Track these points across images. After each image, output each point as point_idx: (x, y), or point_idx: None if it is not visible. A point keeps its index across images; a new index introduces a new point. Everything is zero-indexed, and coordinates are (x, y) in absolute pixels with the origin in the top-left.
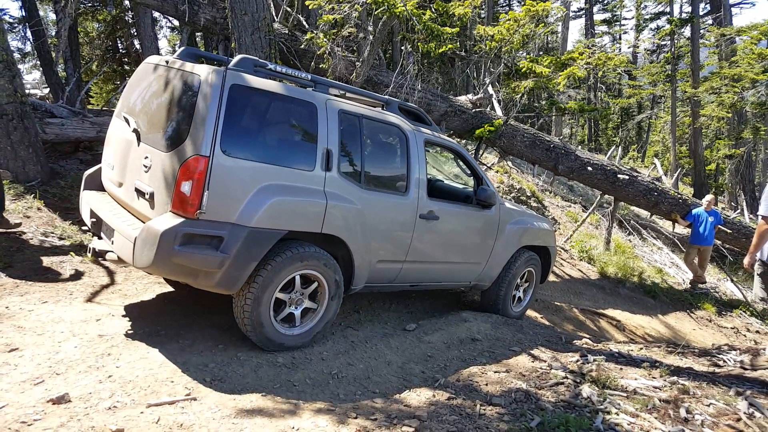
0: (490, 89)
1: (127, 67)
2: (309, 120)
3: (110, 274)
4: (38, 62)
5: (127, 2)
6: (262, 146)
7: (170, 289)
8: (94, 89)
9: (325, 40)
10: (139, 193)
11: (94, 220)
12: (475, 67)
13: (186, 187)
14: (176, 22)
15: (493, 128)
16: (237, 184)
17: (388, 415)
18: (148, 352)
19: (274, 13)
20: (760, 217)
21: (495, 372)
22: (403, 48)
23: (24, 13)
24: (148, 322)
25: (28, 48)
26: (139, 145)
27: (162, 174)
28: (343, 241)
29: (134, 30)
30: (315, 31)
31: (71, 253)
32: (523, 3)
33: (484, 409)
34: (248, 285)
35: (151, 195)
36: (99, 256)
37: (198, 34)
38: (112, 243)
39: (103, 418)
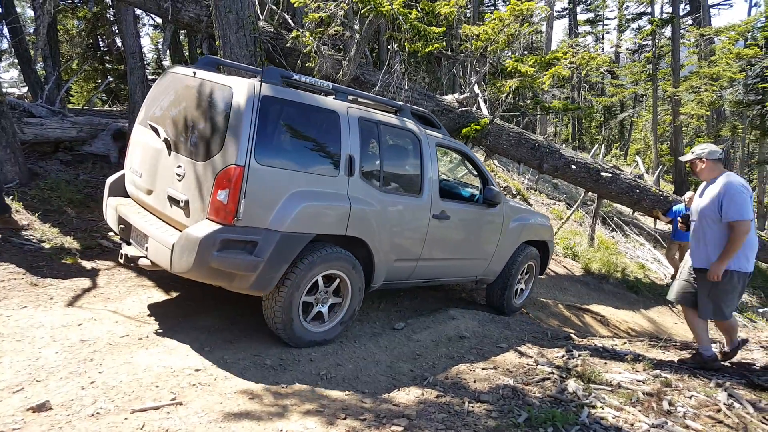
0: (476, 88)
1: (108, 65)
2: (333, 127)
3: (92, 277)
4: (16, 60)
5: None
6: (291, 154)
7: (154, 291)
8: (75, 88)
9: (311, 38)
10: (173, 200)
11: (122, 226)
12: (461, 66)
13: (222, 195)
14: (159, 20)
15: (479, 127)
16: (270, 191)
17: (377, 415)
18: (132, 357)
19: (259, 11)
20: (739, 225)
21: (483, 369)
22: (389, 47)
23: (0, 10)
24: (131, 326)
25: (5, 45)
26: (170, 154)
27: (197, 183)
28: (365, 241)
29: (116, 27)
30: (301, 30)
31: (69, 258)
32: (507, 2)
33: (473, 407)
34: (278, 286)
35: (186, 203)
36: (131, 262)
37: (182, 31)
38: (146, 249)
39: (86, 426)
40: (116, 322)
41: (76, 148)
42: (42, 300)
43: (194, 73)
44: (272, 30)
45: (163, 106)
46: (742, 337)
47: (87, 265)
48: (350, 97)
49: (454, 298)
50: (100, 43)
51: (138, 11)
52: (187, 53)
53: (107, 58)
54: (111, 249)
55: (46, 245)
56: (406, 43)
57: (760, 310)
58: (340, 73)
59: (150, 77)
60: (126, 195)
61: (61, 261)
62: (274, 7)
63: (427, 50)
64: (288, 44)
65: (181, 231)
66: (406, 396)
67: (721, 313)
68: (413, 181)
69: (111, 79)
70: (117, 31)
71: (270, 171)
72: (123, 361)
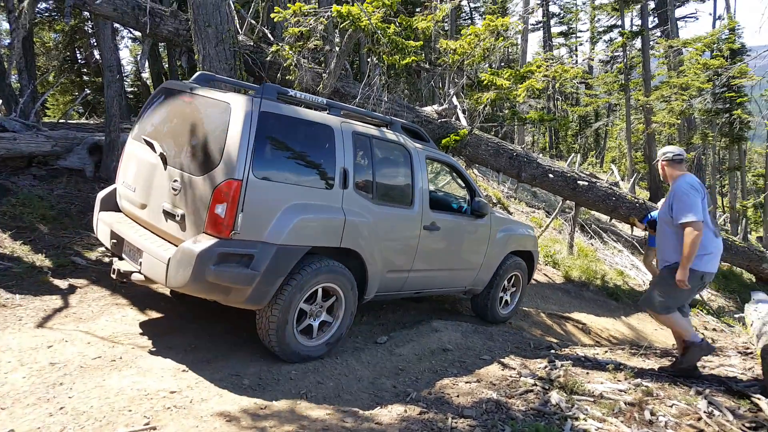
0: (454, 100)
1: (86, 78)
2: (328, 142)
3: (64, 296)
4: None
5: (86, 13)
6: (288, 168)
7: (129, 310)
8: (51, 101)
9: (291, 52)
10: (168, 215)
11: (115, 241)
12: (440, 78)
13: (220, 209)
14: (138, 33)
15: (458, 138)
16: (267, 205)
17: None
18: (104, 380)
19: (238, 26)
20: (686, 225)
21: (466, 383)
22: (369, 60)
23: None
24: (104, 347)
25: None
26: (165, 168)
27: (194, 197)
28: (359, 253)
29: (94, 40)
30: (281, 44)
31: (41, 276)
32: (484, 17)
33: (456, 422)
34: (273, 300)
35: (182, 217)
36: (124, 277)
37: (161, 44)
38: (140, 264)
39: None
40: (88, 343)
41: (50, 162)
42: (10, 321)
43: (191, 89)
44: (252, 44)
45: (158, 122)
46: (697, 341)
47: (59, 283)
48: (343, 112)
49: (437, 309)
50: (78, 55)
51: (117, 24)
52: (166, 66)
53: (85, 70)
54: (84, 267)
55: (16, 264)
56: (385, 56)
57: (737, 315)
58: (321, 85)
59: (128, 90)
60: (117, 210)
61: (32, 280)
62: (253, 22)
63: (405, 63)
64: (268, 57)
65: (176, 245)
66: (389, 414)
67: (661, 306)
68: (404, 193)
69: (88, 92)
70: (95, 44)
71: (267, 185)
72: (94, 384)
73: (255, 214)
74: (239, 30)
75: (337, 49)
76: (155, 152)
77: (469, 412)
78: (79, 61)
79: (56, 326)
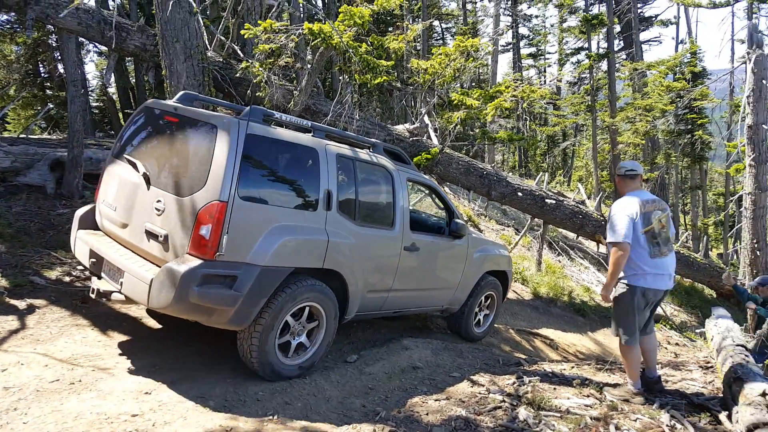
0: (426, 119)
1: (49, 92)
2: (312, 164)
3: (21, 317)
4: None
5: (50, 26)
6: (272, 190)
7: (90, 331)
8: (12, 115)
9: (261, 69)
10: (151, 235)
11: (94, 260)
12: (411, 97)
13: (205, 230)
14: (104, 47)
15: (429, 156)
16: (251, 227)
17: None
18: (62, 404)
19: (207, 42)
20: (610, 245)
21: (435, 400)
22: (341, 78)
23: None
24: (63, 370)
25: None
26: (149, 188)
27: (178, 218)
28: (340, 274)
29: (58, 54)
30: (251, 60)
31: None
32: (455, 38)
33: None
34: (255, 320)
35: (165, 237)
36: (103, 296)
37: (128, 59)
38: (121, 284)
39: None
40: (46, 365)
41: (9, 178)
42: None
43: (175, 108)
44: (221, 60)
45: (141, 141)
46: (634, 387)
47: (16, 303)
48: (327, 134)
49: (408, 326)
50: (41, 69)
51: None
52: (133, 81)
53: (48, 84)
54: (44, 286)
55: None
56: (356, 75)
57: (698, 330)
58: (292, 102)
59: (93, 105)
60: (96, 228)
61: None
62: (223, 38)
63: (377, 82)
64: (238, 74)
65: (158, 266)
66: None
67: (614, 330)
68: (386, 215)
69: (51, 107)
70: (59, 58)
71: (252, 206)
72: (51, 409)
73: (239, 236)
74: (208, 46)
75: (309, 66)
76: (138, 172)
77: (438, 430)
78: (42, 74)
79: (12, 349)
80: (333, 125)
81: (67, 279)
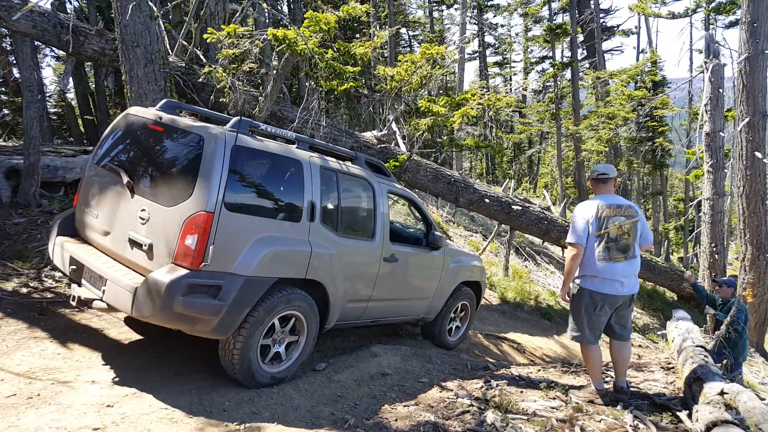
0: (393, 126)
1: (4, 98)
2: (297, 176)
3: None
4: None
5: (4, 29)
6: (258, 201)
7: (48, 343)
8: None
9: (224, 74)
10: (134, 243)
11: (74, 267)
12: (379, 104)
13: (190, 240)
14: (61, 52)
15: (398, 163)
16: (237, 237)
17: None
18: (18, 419)
19: (168, 47)
20: (568, 245)
21: (404, 406)
22: (307, 84)
23: None
24: (20, 384)
25: None
26: (133, 197)
27: (163, 227)
28: (322, 284)
29: (13, 58)
30: (214, 66)
31: None
32: (422, 45)
33: None
34: (238, 329)
35: (150, 246)
36: (84, 304)
37: (88, 64)
38: (103, 292)
39: None
40: (1, 380)
41: None
42: None
43: (160, 117)
44: (184, 65)
45: (124, 148)
46: (596, 387)
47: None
48: (310, 146)
49: (377, 333)
50: None
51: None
52: (93, 86)
53: (3, 89)
54: None
55: None
56: (323, 81)
57: (660, 332)
58: (257, 108)
59: (51, 111)
60: (75, 235)
61: None
62: (185, 43)
63: (343, 88)
64: (200, 79)
65: (142, 274)
66: None
67: (571, 330)
68: (367, 226)
69: (6, 112)
70: (14, 62)
71: (237, 217)
72: (8, 424)
73: (225, 246)
74: (170, 51)
75: (274, 72)
76: (122, 180)
77: None
78: None
79: None
80: (299, 132)
81: (24, 290)
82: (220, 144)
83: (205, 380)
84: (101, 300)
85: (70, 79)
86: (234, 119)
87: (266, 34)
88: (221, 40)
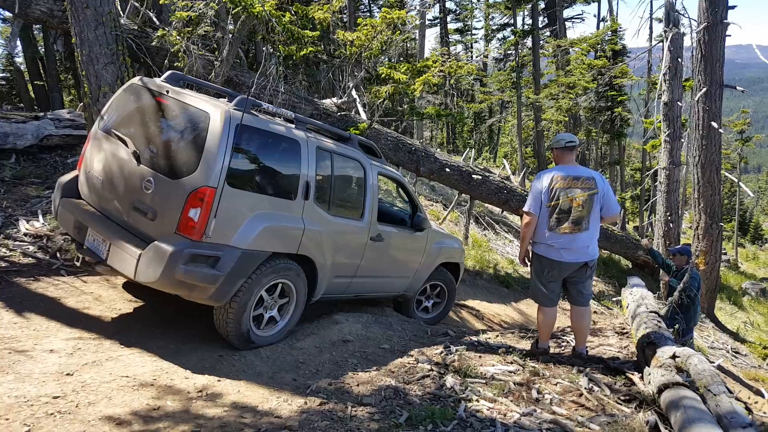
0: (354, 93)
1: None
2: (294, 155)
3: None
4: None
5: None
6: (258, 178)
7: (4, 313)
8: None
9: (178, 38)
10: (138, 210)
11: (78, 229)
12: (339, 70)
13: (193, 213)
14: (7, 13)
15: (358, 132)
16: (237, 212)
17: (257, 430)
18: None
19: (120, 8)
20: (523, 213)
21: (365, 372)
22: (265, 49)
23: None
24: None
25: None
26: (138, 165)
27: (167, 198)
28: (312, 259)
29: None
30: (168, 29)
31: None
32: (382, 10)
33: (356, 411)
34: (233, 297)
35: (154, 214)
36: (87, 264)
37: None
38: (106, 255)
39: None
40: None
41: None
42: None
43: (167, 91)
44: (136, 28)
45: (130, 118)
46: (541, 347)
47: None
48: (308, 126)
49: (339, 302)
50: None
51: None
52: (42, 50)
53: None
54: None
55: None
56: (280, 46)
57: (615, 299)
58: (213, 73)
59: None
60: (78, 197)
61: None
62: (137, 5)
63: (302, 53)
64: (154, 43)
65: (145, 241)
66: (289, 407)
67: (531, 289)
68: (357, 206)
69: None
70: None
71: (238, 193)
72: None
73: (225, 220)
74: (121, 13)
75: (230, 36)
76: (128, 148)
77: (368, 399)
78: None
79: None
80: (257, 98)
81: None
82: (226, 122)
83: (167, 348)
84: (104, 262)
85: (18, 43)
86: (239, 97)
87: None
88: (175, 1)
